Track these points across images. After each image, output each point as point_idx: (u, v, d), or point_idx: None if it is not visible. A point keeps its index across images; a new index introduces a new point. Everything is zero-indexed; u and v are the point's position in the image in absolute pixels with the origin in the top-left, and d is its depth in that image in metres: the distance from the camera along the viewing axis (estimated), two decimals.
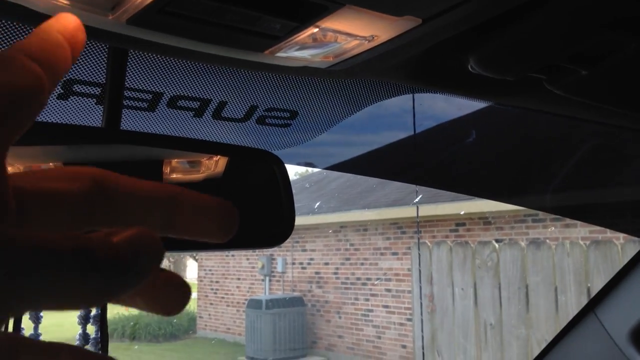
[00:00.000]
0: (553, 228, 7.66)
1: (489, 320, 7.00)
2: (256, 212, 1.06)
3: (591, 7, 0.79)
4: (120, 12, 0.66)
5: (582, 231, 7.45)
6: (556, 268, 6.60)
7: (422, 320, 7.49)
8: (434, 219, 9.36)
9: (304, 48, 0.81)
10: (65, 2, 0.64)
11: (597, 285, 6.14)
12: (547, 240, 7.11)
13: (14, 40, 0.88)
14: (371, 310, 10.40)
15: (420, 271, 7.58)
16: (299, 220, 11.38)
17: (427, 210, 9.02)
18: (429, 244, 7.92)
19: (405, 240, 9.94)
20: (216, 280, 14.29)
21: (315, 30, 0.75)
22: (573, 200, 2.10)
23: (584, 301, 6.32)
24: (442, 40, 0.82)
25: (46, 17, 0.67)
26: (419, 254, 7.67)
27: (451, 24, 0.77)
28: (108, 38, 0.74)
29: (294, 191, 1.05)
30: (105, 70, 0.97)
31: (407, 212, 9.40)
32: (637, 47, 0.86)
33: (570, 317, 1.70)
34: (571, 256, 6.52)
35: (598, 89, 0.99)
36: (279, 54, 0.82)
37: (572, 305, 6.35)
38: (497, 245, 7.12)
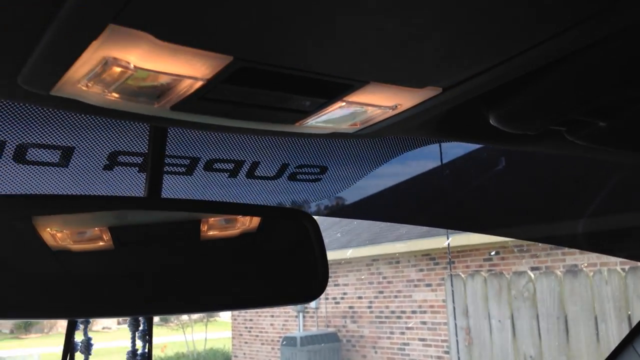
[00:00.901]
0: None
1: (528, 352, 6.86)
2: (290, 269, 1.11)
3: (604, 67, 0.83)
4: (164, 101, 0.72)
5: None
6: (595, 296, 6.47)
7: (458, 357, 7.36)
8: (466, 248, 9.27)
9: (332, 117, 0.86)
10: (116, 96, 0.70)
11: (638, 312, 5.99)
12: (584, 268, 6.98)
13: (70, 128, 0.96)
14: (407, 344, 10.25)
15: (454, 307, 7.48)
16: (331, 255, 11.36)
17: (459, 240, 8.93)
18: (462, 275, 7.83)
19: (438, 272, 9.84)
20: (250, 319, 14.28)
21: (342, 104, 0.80)
22: (605, 228, 2.09)
23: (625, 329, 6.15)
24: (463, 102, 0.87)
25: (99, 108, 0.74)
26: (452, 290, 7.58)
27: (470, 90, 0.81)
28: (152, 121, 0.80)
29: (324, 225, 1.09)
30: (146, 140, 1.04)
31: (439, 242, 9.33)
32: None
33: (612, 347, 1.69)
34: (609, 283, 6.38)
35: (617, 138, 1.02)
36: (308, 124, 0.87)
37: (613, 334, 6.20)
38: (532, 275, 7.01)
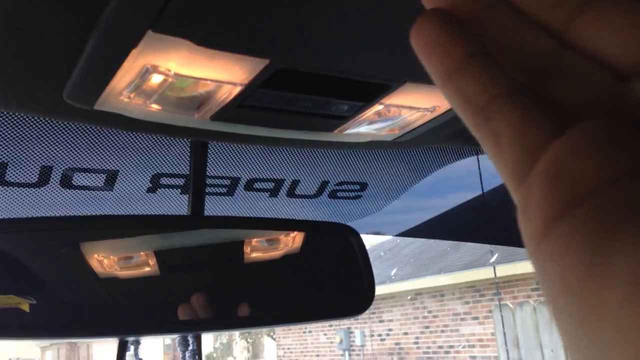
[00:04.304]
0: None
1: None
2: (336, 283, 1.10)
3: None
4: (204, 111, 0.73)
5: None
6: None
7: None
8: (512, 278, 9.03)
9: (371, 124, 0.86)
10: (157, 107, 0.72)
11: None
12: None
13: (114, 151, 0.98)
14: None
15: (505, 334, 7.27)
16: None
17: (505, 270, 8.72)
18: (510, 305, 7.63)
19: (485, 304, 9.60)
20: (295, 359, 14.13)
21: (380, 107, 0.80)
22: None
23: None
24: None
25: (142, 122, 0.75)
26: (502, 315, 7.38)
27: None
28: (193, 134, 0.81)
29: None
30: (188, 162, 1.05)
31: (484, 273, 9.12)
32: None
33: None
34: None
35: None
36: (347, 132, 0.87)
37: None
38: None
